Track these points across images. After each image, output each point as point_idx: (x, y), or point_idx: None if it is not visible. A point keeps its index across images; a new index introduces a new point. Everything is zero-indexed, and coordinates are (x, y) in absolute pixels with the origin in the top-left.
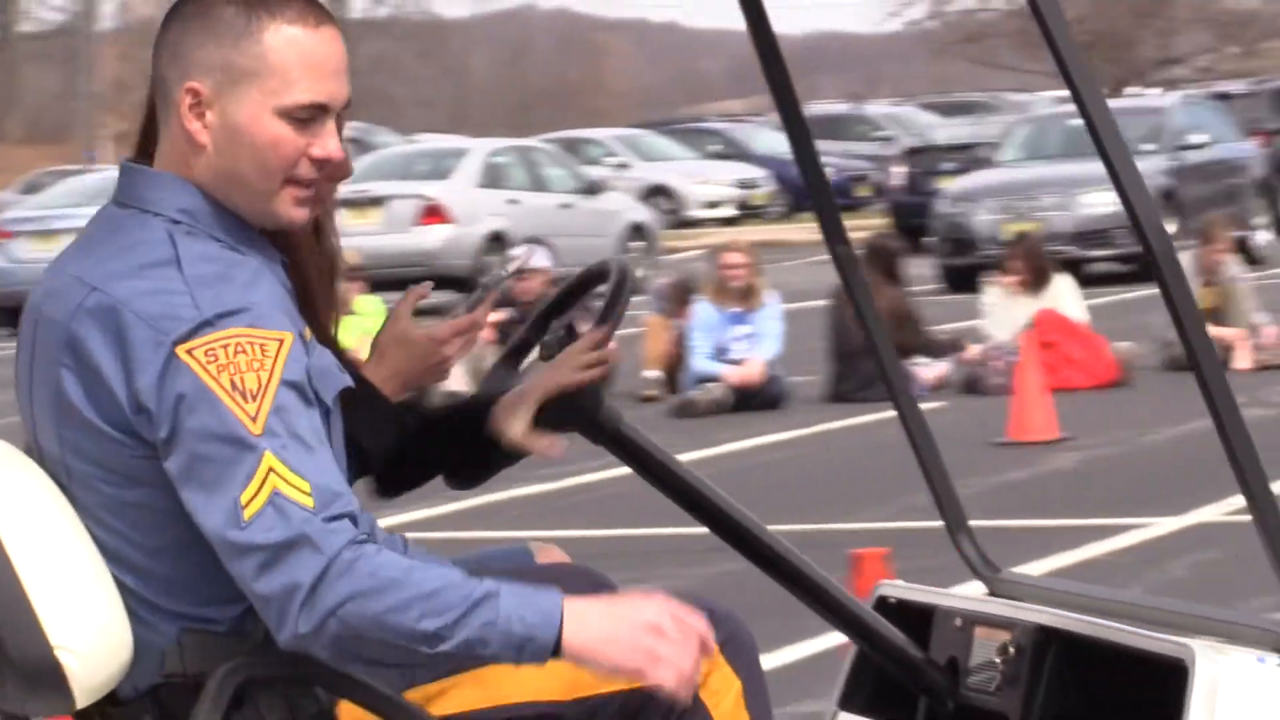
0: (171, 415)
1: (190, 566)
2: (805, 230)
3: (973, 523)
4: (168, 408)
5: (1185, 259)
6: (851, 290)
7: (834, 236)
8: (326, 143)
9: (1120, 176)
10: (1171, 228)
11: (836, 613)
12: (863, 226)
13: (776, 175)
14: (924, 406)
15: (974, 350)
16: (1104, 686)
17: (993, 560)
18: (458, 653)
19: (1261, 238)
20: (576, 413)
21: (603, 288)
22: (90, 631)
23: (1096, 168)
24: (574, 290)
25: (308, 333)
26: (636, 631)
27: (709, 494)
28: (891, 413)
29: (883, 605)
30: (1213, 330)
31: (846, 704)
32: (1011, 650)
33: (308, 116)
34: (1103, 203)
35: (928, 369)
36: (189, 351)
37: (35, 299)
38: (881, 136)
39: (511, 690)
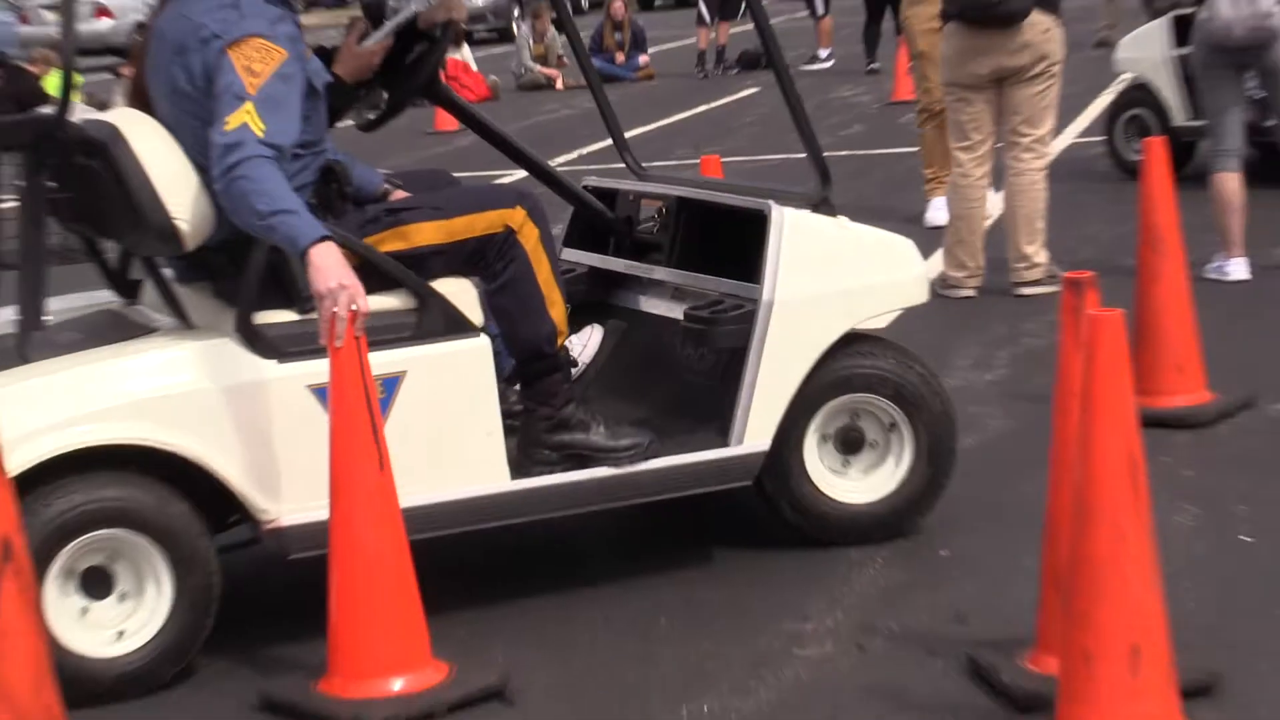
0: (218, 79)
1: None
2: None
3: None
4: (217, 79)
5: None
6: None
7: None
8: None
9: None
10: None
11: (561, 188)
12: None
13: None
14: None
15: None
16: (716, 229)
17: (642, 165)
18: (267, 231)
19: None
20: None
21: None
22: (193, 209)
23: None
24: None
25: (308, 53)
26: (326, 273)
27: (503, 134)
28: None
29: (590, 190)
30: None
31: (568, 243)
32: (663, 210)
33: None
34: None
35: None
36: (229, 50)
37: (158, 23)
38: None
39: (418, 240)
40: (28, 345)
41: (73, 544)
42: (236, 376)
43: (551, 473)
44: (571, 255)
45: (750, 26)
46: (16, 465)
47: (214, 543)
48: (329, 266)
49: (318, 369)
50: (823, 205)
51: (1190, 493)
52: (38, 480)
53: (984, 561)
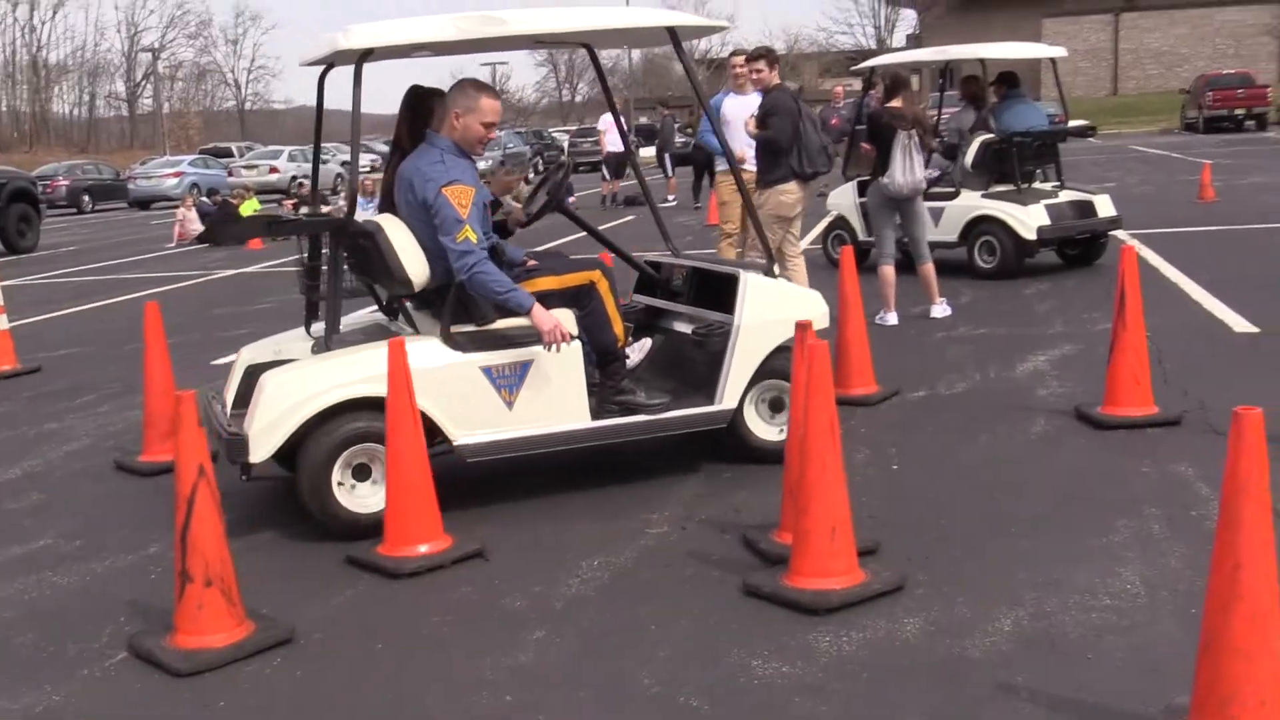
0: (438, 210)
1: (439, 255)
2: None
3: None
4: (438, 209)
5: None
6: None
7: None
8: (493, 132)
9: None
10: None
11: (628, 259)
12: None
13: None
14: None
15: None
16: (712, 284)
17: (678, 249)
18: (503, 301)
19: None
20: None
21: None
22: (417, 270)
23: None
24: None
25: (480, 184)
26: (544, 320)
27: (601, 233)
28: None
29: (646, 262)
30: None
31: (635, 290)
32: (684, 273)
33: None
34: None
35: None
36: (443, 190)
37: (402, 173)
38: None
39: (541, 286)
40: (331, 342)
41: (348, 451)
42: (440, 360)
43: (613, 417)
44: (637, 297)
45: (632, 180)
46: (321, 405)
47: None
48: (544, 317)
49: (485, 358)
50: (769, 273)
51: (864, 441)
52: (332, 415)
53: (752, 479)
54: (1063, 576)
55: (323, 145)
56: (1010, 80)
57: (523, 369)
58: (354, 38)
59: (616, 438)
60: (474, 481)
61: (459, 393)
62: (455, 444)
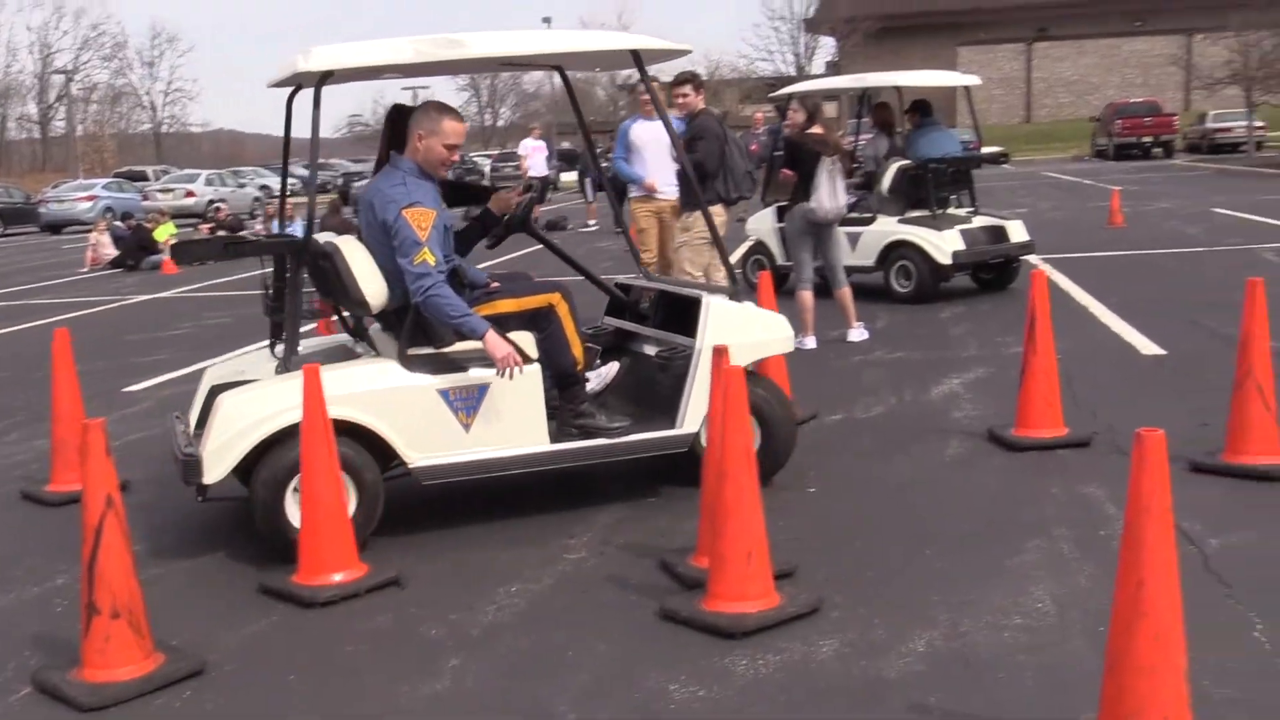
0: (397, 231)
1: (399, 277)
2: None
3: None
4: (397, 230)
5: None
6: None
7: None
8: (456, 155)
9: None
10: None
11: (597, 282)
12: None
13: None
14: None
15: None
16: (677, 307)
17: (651, 274)
18: (457, 326)
19: None
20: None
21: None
22: (375, 293)
23: None
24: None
25: (443, 206)
26: (498, 347)
27: (576, 260)
28: None
29: (617, 285)
30: None
31: (606, 313)
32: (651, 296)
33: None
34: None
35: None
36: (404, 211)
37: (364, 194)
38: None
39: (500, 309)
40: (290, 363)
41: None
42: (396, 382)
43: (573, 440)
44: (608, 320)
45: (555, 204)
46: (275, 427)
47: (381, 474)
48: (497, 344)
49: (442, 381)
50: (733, 297)
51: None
52: (287, 437)
53: (672, 504)
54: (976, 597)
55: (240, 169)
56: (924, 108)
57: (480, 392)
58: (313, 60)
59: (576, 461)
60: (392, 507)
61: (414, 415)
62: (411, 466)
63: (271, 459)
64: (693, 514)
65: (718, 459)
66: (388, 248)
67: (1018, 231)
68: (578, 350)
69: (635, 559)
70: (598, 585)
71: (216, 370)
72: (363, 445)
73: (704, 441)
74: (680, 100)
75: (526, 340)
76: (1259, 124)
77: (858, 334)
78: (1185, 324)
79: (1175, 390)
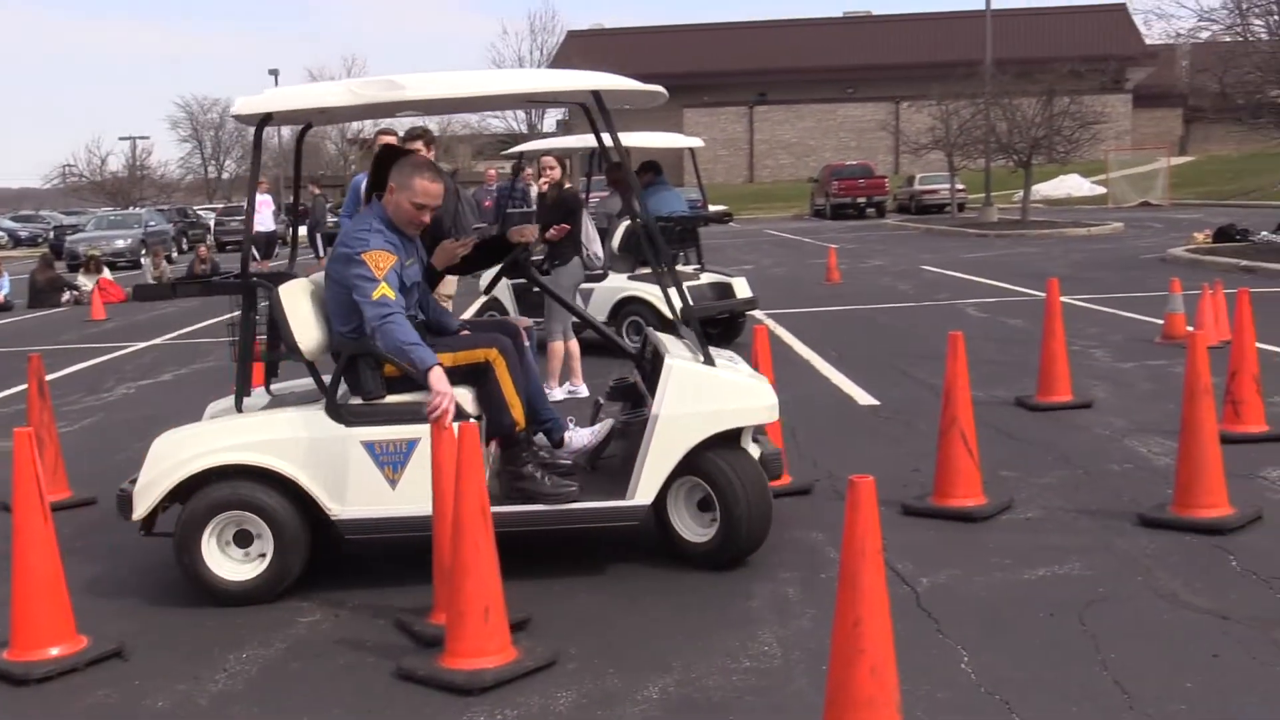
0: (356, 273)
1: (349, 318)
2: None
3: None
4: (356, 272)
5: None
6: None
7: None
8: (425, 215)
9: None
10: None
11: (614, 343)
12: None
13: None
14: None
15: None
16: (649, 369)
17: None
18: (407, 354)
19: None
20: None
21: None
22: (307, 339)
23: None
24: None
25: (409, 262)
26: (438, 386)
27: (571, 303)
28: None
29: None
30: None
31: (609, 395)
32: (645, 368)
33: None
34: None
35: None
36: (363, 255)
37: (342, 228)
38: None
39: (444, 359)
40: (242, 405)
41: (218, 516)
42: (319, 432)
43: (512, 504)
44: (637, 374)
45: (281, 261)
46: (197, 468)
47: (309, 526)
48: (440, 381)
49: (367, 433)
50: (706, 361)
51: None
52: (217, 478)
53: (407, 561)
54: (707, 642)
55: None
56: (654, 167)
57: (409, 447)
58: (251, 104)
59: (513, 527)
60: (110, 573)
61: (336, 466)
62: (332, 518)
63: (193, 500)
64: (427, 571)
65: (453, 516)
66: (344, 288)
67: (742, 288)
68: (517, 410)
69: (370, 619)
70: (332, 648)
71: (216, 406)
72: (287, 495)
73: (673, 517)
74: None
75: (465, 396)
76: (960, 187)
77: (580, 389)
78: (898, 375)
79: (889, 438)
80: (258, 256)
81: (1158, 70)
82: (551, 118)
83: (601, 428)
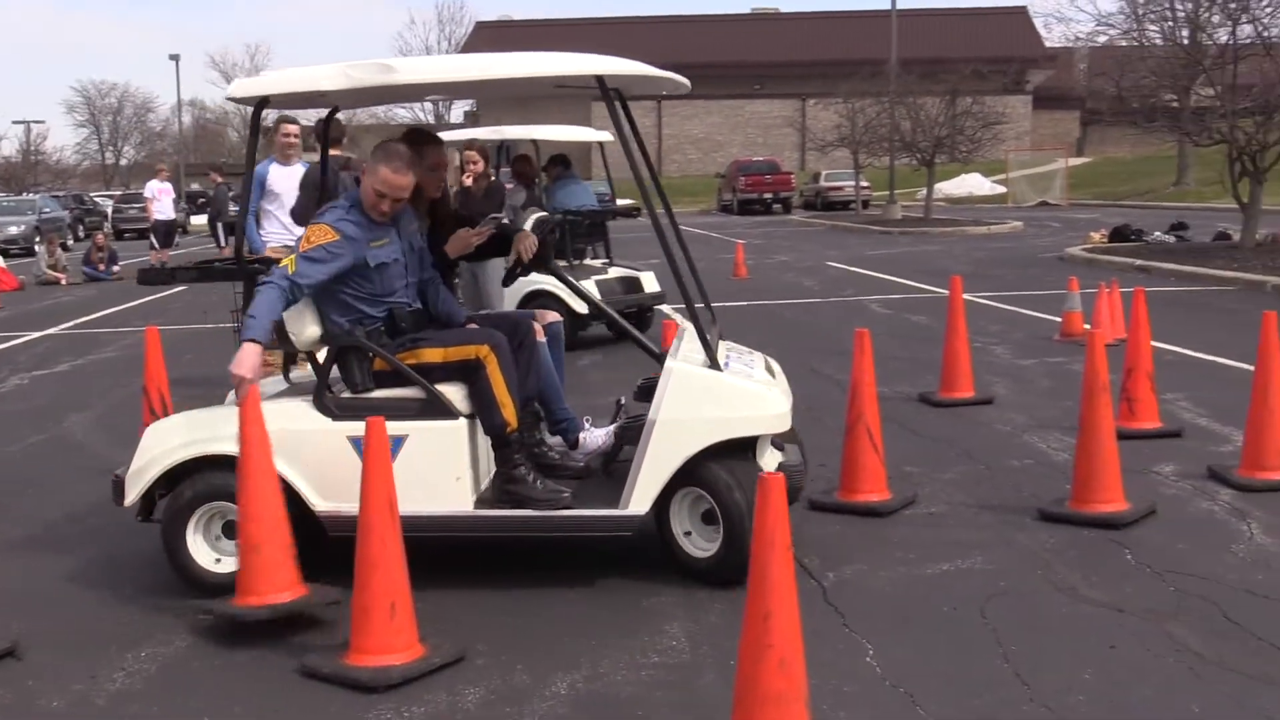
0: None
1: (337, 308)
2: None
3: None
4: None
5: None
6: None
7: None
8: (384, 204)
9: None
10: None
11: (640, 343)
12: None
13: None
14: None
15: None
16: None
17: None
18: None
19: None
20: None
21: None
22: (300, 329)
23: None
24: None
25: (378, 243)
26: (242, 360)
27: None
28: None
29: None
30: None
31: (637, 396)
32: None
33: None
34: None
35: None
36: (310, 225)
37: None
38: None
39: (425, 358)
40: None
41: (202, 507)
42: (306, 425)
43: (501, 507)
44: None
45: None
46: (182, 456)
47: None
48: (245, 359)
49: (354, 428)
50: (711, 365)
51: None
52: (203, 467)
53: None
54: (615, 638)
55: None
56: (563, 161)
57: (395, 444)
58: (248, 86)
59: (501, 531)
60: (1, 569)
61: (322, 460)
62: (316, 512)
63: (179, 489)
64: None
65: (360, 511)
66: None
67: (650, 282)
68: (508, 410)
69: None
70: (235, 644)
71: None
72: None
73: (673, 529)
74: (284, 140)
75: (456, 393)
76: (865, 184)
77: None
78: (805, 371)
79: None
80: (157, 245)
81: (1057, 73)
82: (459, 109)
83: (615, 428)
